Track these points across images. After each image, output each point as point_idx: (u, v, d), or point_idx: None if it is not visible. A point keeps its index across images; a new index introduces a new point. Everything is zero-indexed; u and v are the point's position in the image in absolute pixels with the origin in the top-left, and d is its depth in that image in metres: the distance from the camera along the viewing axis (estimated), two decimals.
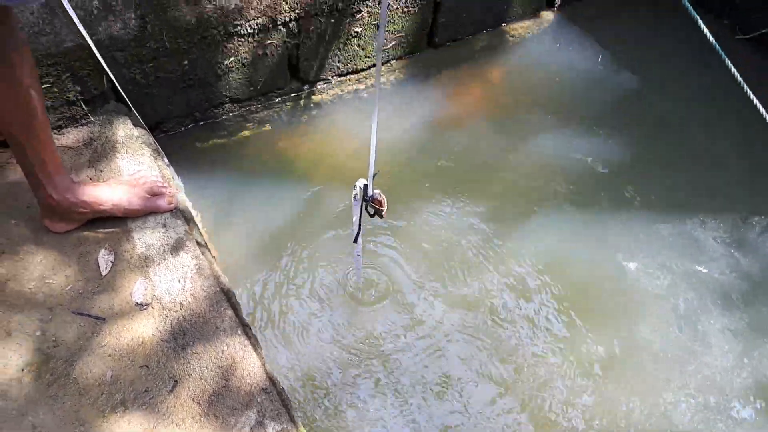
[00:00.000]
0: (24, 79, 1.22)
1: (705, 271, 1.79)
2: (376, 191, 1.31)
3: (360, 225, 1.40)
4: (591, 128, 2.15)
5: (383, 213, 1.32)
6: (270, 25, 1.85)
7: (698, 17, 1.32)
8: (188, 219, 1.56)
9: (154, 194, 1.53)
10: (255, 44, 1.87)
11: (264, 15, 1.81)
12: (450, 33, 2.29)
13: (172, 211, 1.53)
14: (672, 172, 2.04)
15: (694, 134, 2.16)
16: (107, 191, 1.48)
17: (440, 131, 2.12)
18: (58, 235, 1.48)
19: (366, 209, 1.35)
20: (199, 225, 1.69)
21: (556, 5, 2.55)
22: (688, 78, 2.33)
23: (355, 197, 1.34)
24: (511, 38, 2.45)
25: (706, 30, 1.27)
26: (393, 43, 2.16)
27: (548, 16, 2.54)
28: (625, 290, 1.74)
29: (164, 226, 1.50)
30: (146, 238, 1.48)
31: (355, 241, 1.43)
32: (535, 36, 2.48)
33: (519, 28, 2.47)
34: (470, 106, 2.22)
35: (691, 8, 1.34)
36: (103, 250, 1.46)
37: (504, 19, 2.42)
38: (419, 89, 2.23)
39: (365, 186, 1.31)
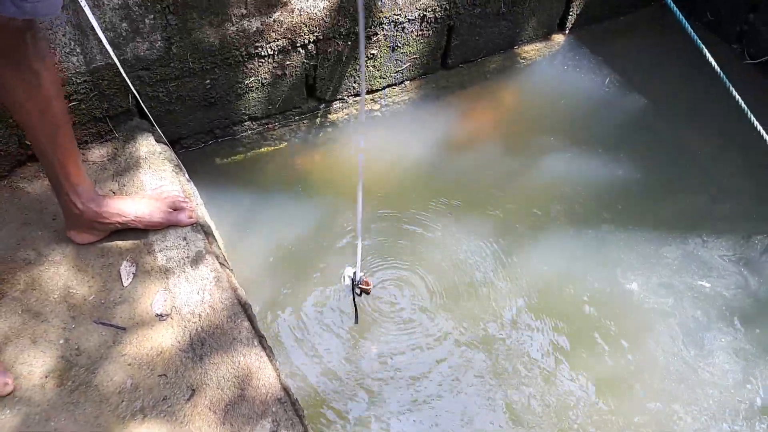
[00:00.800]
0: (47, 89, 1.27)
1: (708, 285, 1.82)
2: (361, 275, 1.53)
3: (356, 305, 1.60)
4: (597, 150, 2.19)
5: (369, 291, 1.56)
6: (289, 47, 1.91)
7: (704, 47, 1.36)
8: (208, 233, 1.61)
9: (176, 208, 1.58)
10: (275, 65, 1.93)
11: (284, 38, 1.87)
12: (463, 55, 2.35)
13: (192, 225, 1.58)
14: (677, 195, 2.07)
15: (700, 158, 2.19)
16: (130, 204, 1.53)
17: (451, 150, 2.16)
18: (82, 246, 1.53)
19: (354, 290, 1.55)
20: (217, 238, 1.74)
21: (567, 28, 2.60)
22: (695, 102, 2.36)
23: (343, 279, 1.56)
24: (522, 60, 2.50)
25: (713, 60, 1.32)
26: (407, 64, 2.22)
27: (559, 38, 2.59)
28: (632, 308, 1.77)
29: (184, 239, 1.55)
30: (167, 251, 1.53)
31: (356, 322, 1.62)
32: (545, 58, 2.53)
33: (530, 50, 2.52)
34: (481, 126, 2.27)
35: (697, 39, 1.39)
36: (125, 262, 1.51)
37: (516, 41, 2.47)
38: (432, 109, 2.28)
39: (354, 273, 1.54)
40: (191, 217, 1.59)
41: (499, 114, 2.32)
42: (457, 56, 2.33)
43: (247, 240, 1.85)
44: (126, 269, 1.50)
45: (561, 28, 2.59)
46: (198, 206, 1.72)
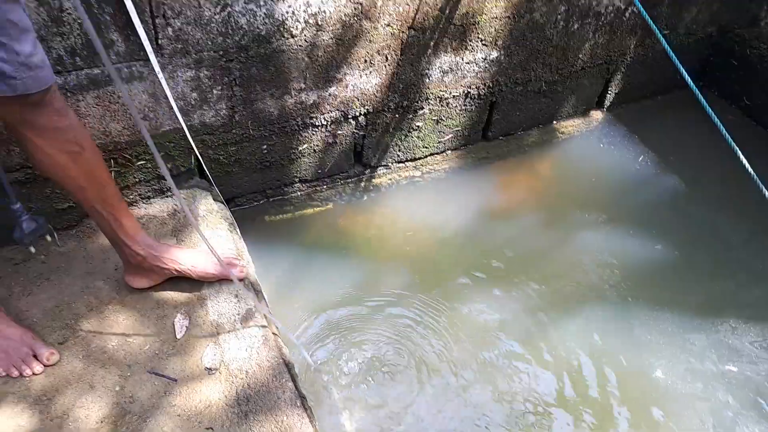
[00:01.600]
0: (89, 156, 1.37)
1: (736, 370, 1.82)
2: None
3: None
4: (629, 229, 2.23)
5: None
6: (342, 119, 2.04)
7: (734, 143, 1.44)
8: (258, 291, 1.70)
9: (228, 264, 1.68)
10: (327, 134, 2.06)
11: (337, 110, 2.00)
12: (503, 128, 2.45)
13: (242, 281, 1.68)
14: (706, 279, 2.08)
15: (730, 242, 2.21)
16: (187, 253, 1.64)
17: (487, 220, 2.24)
18: (140, 297, 1.63)
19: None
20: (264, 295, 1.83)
21: (606, 106, 2.69)
22: (728, 185, 2.39)
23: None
24: (560, 135, 2.59)
25: (743, 157, 1.39)
26: (450, 135, 2.33)
27: (597, 115, 2.68)
28: (660, 392, 1.78)
29: (236, 296, 1.64)
30: (219, 307, 1.62)
31: None
32: (583, 134, 2.62)
33: (569, 125, 2.61)
34: (517, 197, 2.35)
35: (724, 129, 1.46)
36: (179, 315, 1.61)
37: (555, 117, 2.57)
38: (471, 179, 2.38)
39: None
40: (242, 272, 1.68)
41: (535, 186, 2.40)
42: (498, 129, 2.44)
43: (290, 297, 1.94)
44: (180, 322, 1.59)
45: (599, 105, 2.69)
46: (248, 264, 1.82)
